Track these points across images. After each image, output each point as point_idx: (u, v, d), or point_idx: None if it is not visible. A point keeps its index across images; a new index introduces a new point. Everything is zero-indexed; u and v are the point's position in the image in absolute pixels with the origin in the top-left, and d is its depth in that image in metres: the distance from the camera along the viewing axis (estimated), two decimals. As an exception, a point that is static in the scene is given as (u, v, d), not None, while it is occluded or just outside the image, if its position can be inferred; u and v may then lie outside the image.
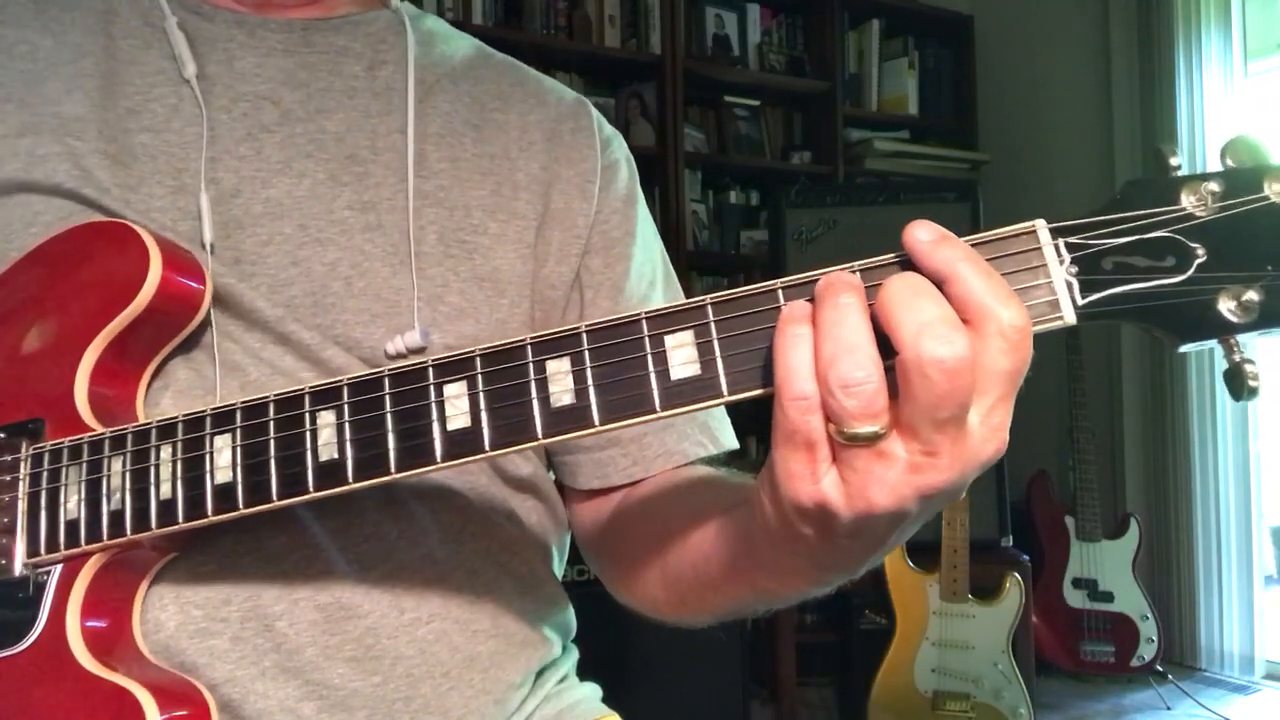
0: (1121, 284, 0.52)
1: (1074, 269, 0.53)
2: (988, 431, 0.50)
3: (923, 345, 0.48)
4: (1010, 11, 4.33)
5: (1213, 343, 0.53)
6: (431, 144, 0.85)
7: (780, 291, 0.55)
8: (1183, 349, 0.54)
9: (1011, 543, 2.97)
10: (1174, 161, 0.55)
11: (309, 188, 0.80)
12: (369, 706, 0.76)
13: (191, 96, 0.80)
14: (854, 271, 0.54)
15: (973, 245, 0.53)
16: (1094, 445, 3.44)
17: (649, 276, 0.93)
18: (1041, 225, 0.53)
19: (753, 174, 4.18)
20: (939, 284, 0.50)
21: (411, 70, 0.86)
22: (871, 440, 0.50)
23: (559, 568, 0.95)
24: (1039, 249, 0.53)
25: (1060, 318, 0.52)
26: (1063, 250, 0.53)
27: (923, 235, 0.52)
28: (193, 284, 0.74)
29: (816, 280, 0.53)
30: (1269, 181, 0.52)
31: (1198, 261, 0.52)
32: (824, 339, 0.50)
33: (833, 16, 4.13)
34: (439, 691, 0.80)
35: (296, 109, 0.82)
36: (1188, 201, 0.53)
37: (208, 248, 0.76)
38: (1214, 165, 0.54)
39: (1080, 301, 0.52)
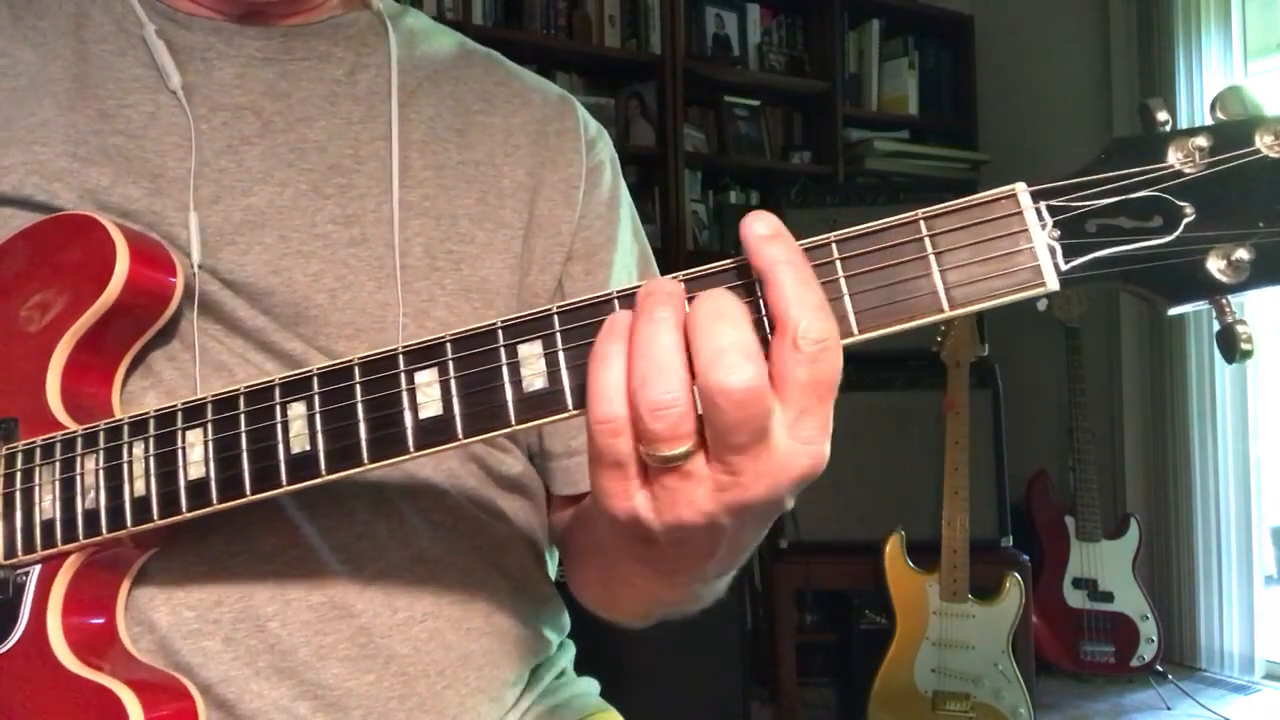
0: (1107, 247, 0.51)
1: (1057, 233, 0.51)
2: (797, 445, 0.50)
3: (711, 374, 0.48)
4: (1010, 11, 4.33)
5: (1204, 304, 0.52)
6: (416, 151, 0.84)
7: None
8: (1173, 311, 0.53)
9: (1011, 543, 2.96)
10: (1161, 116, 0.53)
11: (291, 198, 0.79)
12: (364, 706, 0.76)
13: (169, 106, 0.79)
14: (681, 280, 0.54)
15: (950, 211, 0.52)
16: (1094, 445, 3.43)
17: (625, 282, 0.91)
18: (1022, 189, 0.52)
19: (753, 174, 4.17)
20: (761, 283, 0.51)
21: (394, 76, 0.85)
22: (679, 460, 0.50)
23: (551, 566, 0.95)
24: (1019, 213, 0.52)
25: (1043, 284, 0.51)
26: (1044, 214, 0.51)
27: (758, 229, 0.51)
28: (163, 276, 0.73)
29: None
30: (1260, 133, 0.50)
31: (1186, 220, 0.50)
32: (637, 357, 0.50)
33: (833, 16, 4.13)
34: (434, 690, 0.79)
35: (278, 120, 0.81)
36: (1175, 158, 0.51)
37: (195, 269, 0.75)
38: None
39: (1064, 266, 0.51)
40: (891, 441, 2.99)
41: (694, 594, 0.68)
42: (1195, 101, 3.48)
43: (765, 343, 0.50)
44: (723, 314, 0.49)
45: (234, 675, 0.73)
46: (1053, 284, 0.51)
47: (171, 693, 0.69)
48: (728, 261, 0.54)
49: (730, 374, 0.47)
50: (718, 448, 0.49)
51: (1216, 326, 0.52)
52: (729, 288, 0.53)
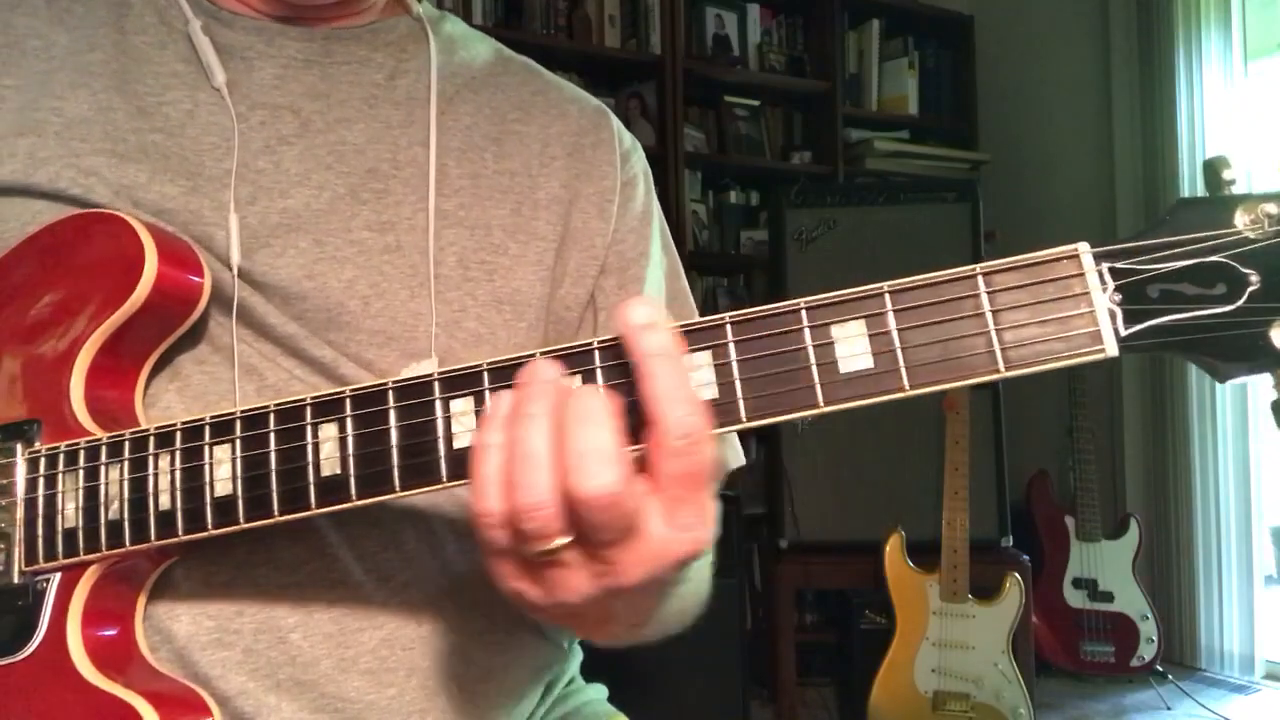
0: (1168, 314, 0.49)
1: (1118, 297, 0.49)
2: (674, 532, 0.51)
3: (571, 478, 0.49)
4: (1010, 11, 4.33)
5: (1264, 375, 0.50)
6: (452, 159, 0.83)
7: (804, 312, 0.53)
8: (1231, 380, 0.51)
9: (1011, 543, 2.97)
10: (1227, 176, 0.51)
11: (328, 201, 0.78)
12: None
13: (208, 104, 0.78)
14: (559, 356, 0.54)
15: (1009, 268, 0.51)
16: (1094, 445, 3.44)
17: (655, 297, 0.91)
18: (1084, 249, 0.50)
19: (753, 174, 4.17)
20: (635, 373, 0.51)
21: (434, 82, 0.85)
22: (552, 554, 0.52)
23: None
24: (1081, 275, 0.50)
25: (1102, 350, 0.49)
26: (1106, 277, 0.50)
27: (634, 318, 0.52)
28: (191, 277, 0.72)
29: (838, 302, 0.53)
30: None
31: (1250, 289, 0.48)
32: (512, 457, 0.51)
33: (833, 16, 4.12)
34: (455, 704, 0.79)
35: (316, 119, 0.80)
36: (1241, 223, 0.49)
37: (235, 269, 0.74)
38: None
39: (1124, 332, 0.49)
40: (891, 441, 3.00)
41: (634, 638, 0.69)
42: (1195, 102, 3.48)
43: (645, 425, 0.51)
44: (590, 416, 0.50)
45: (252, 688, 0.72)
46: (1112, 349, 0.49)
47: (189, 705, 0.68)
48: (609, 338, 0.54)
49: (588, 480, 0.49)
50: (591, 542, 0.51)
51: (1275, 395, 0.50)
52: (606, 366, 0.55)
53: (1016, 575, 2.76)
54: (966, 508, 2.76)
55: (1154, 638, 3.25)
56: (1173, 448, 3.57)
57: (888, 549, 2.79)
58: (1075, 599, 3.33)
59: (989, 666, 2.71)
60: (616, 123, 0.94)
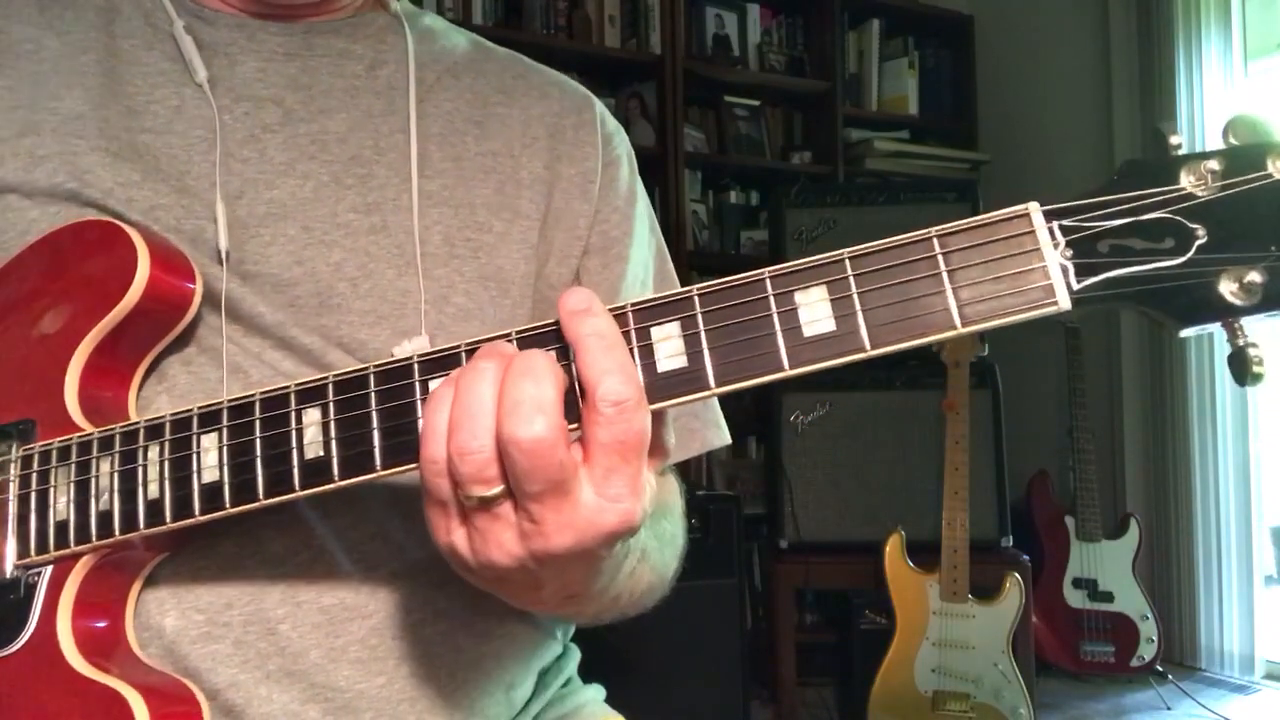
0: (1119, 267, 0.51)
1: (1069, 252, 0.52)
2: (604, 502, 0.54)
3: (505, 423, 0.52)
4: (1010, 11, 4.33)
5: (1215, 326, 0.52)
6: (435, 143, 0.85)
7: (768, 280, 0.55)
8: (1184, 333, 0.53)
9: (1011, 543, 2.97)
10: (1174, 141, 0.54)
11: (312, 189, 0.80)
12: (374, 708, 0.76)
13: (194, 100, 0.80)
14: (515, 337, 0.57)
15: (963, 229, 0.53)
16: (1094, 445, 3.44)
17: (641, 277, 0.93)
18: (1035, 208, 0.53)
19: (753, 174, 4.17)
20: (573, 354, 0.54)
21: (412, 70, 0.86)
22: (487, 503, 0.54)
23: None
24: (1032, 233, 0.52)
25: (1055, 303, 0.51)
26: (1057, 233, 0.52)
27: (570, 304, 0.55)
28: (183, 282, 0.73)
29: (800, 269, 0.55)
30: (1272, 159, 0.51)
31: (1198, 243, 0.51)
32: (456, 405, 0.54)
33: (833, 16, 4.13)
34: (444, 692, 0.79)
35: (299, 109, 0.82)
36: (1187, 181, 0.52)
37: (224, 256, 0.76)
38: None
39: (1075, 286, 0.51)
40: (891, 441, 3.00)
41: (575, 613, 0.71)
42: (1195, 102, 3.48)
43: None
44: (530, 370, 0.53)
45: (243, 679, 0.73)
46: (1064, 303, 0.51)
47: (178, 698, 0.69)
48: (550, 322, 0.57)
49: (520, 425, 0.51)
50: (519, 494, 0.53)
51: (1228, 350, 0.52)
52: (555, 349, 0.56)
53: (1016, 575, 2.76)
54: (966, 508, 2.76)
55: (1154, 638, 3.25)
56: (1173, 448, 3.56)
57: (888, 549, 2.79)
58: (1075, 599, 3.32)
59: (989, 666, 2.71)
60: (600, 106, 0.96)
